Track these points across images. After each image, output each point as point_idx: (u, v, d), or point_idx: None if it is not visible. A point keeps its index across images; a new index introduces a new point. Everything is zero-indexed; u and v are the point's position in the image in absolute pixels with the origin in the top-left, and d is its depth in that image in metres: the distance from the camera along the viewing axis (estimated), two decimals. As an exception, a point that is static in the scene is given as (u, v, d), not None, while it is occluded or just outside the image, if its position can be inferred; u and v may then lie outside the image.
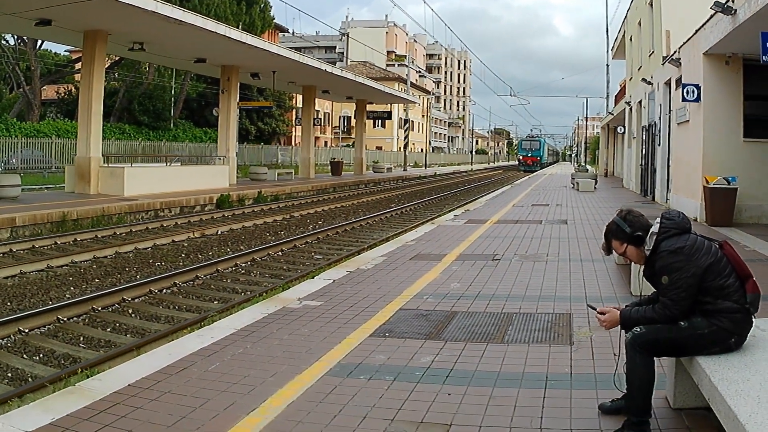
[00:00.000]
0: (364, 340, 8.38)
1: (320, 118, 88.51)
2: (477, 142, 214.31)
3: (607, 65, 71.51)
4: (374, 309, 9.95)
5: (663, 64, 29.24)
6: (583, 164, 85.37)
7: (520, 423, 5.93)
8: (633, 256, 6.02)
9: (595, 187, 40.53)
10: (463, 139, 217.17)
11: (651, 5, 34.95)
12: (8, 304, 12.95)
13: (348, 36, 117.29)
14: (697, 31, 22.83)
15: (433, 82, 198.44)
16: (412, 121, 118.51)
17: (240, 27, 48.39)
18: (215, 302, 13.57)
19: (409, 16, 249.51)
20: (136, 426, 5.88)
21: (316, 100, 59.56)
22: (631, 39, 47.12)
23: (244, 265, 17.49)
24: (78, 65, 48.86)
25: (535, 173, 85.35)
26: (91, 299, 12.71)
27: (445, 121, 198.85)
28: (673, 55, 26.78)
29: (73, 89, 65.82)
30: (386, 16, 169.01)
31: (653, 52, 34.35)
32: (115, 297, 13.16)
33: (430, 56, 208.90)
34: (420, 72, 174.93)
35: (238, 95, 44.28)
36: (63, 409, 6.17)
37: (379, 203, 37.32)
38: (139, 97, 66.66)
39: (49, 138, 49.67)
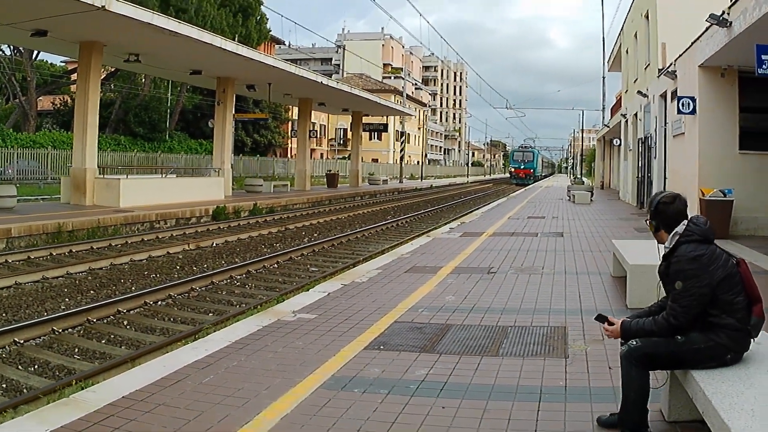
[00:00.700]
0: (358, 352, 8.37)
1: (316, 131, 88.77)
2: (473, 155, 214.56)
3: (603, 77, 71.58)
4: (369, 322, 9.94)
5: (658, 77, 29.34)
6: (579, 176, 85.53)
7: (514, 436, 5.93)
8: (660, 239, 6.10)
9: (591, 200, 40.60)
10: (459, 151, 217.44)
11: (647, 18, 35.10)
12: (4, 315, 12.93)
13: (344, 48, 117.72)
14: (692, 43, 22.91)
15: (430, 94, 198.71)
16: (408, 134, 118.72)
17: (236, 39, 48.57)
18: (210, 314, 13.55)
19: (405, 29, 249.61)
20: (131, 438, 5.88)
21: (312, 112, 59.58)
22: (627, 51, 47.27)
23: (239, 277, 17.49)
24: (74, 76, 48.91)
25: (528, 186, 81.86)
26: (86, 311, 12.69)
27: (441, 134, 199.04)
28: (668, 67, 26.87)
29: (69, 100, 65.88)
30: (382, 28, 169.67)
31: (649, 64, 34.47)
32: (110, 309, 13.14)
33: (427, 68, 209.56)
34: (416, 84, 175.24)
35: (233, 107, 44.40)
36: (57, 421, 6.16)
37: (374, 216, 37.31)
38: (134, 108, 66.71)
39: (45, 149, 49.68)
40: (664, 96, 29.40)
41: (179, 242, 23.15)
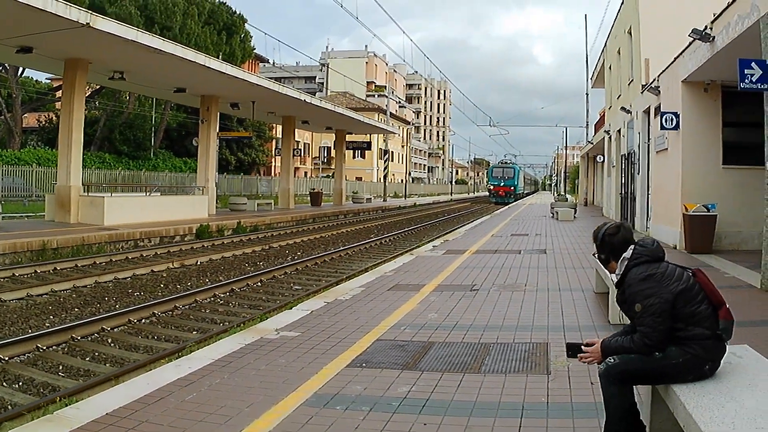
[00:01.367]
0: (341, 370, 8.39)
1: (300, 149, 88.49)
2: (457, 172, 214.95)
3: (587, 94, 71.95)
4: (352, 340, 9.97)
5: (642, 93, 29.48)
6: (562, 193, 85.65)
7: (495, 453, 5.97)
8: (611, 270, 6.18)
9: (574, 216, 40.71)
10: (442, 169, 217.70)
11: (630, 34, 35.27)
12: (-12, 332, 12.87)
13: (328, 66, 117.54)
14: (675, 59, 23.09)
15: (413, 112, 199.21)
16: (392, 152, 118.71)
17: (220, 57, 48.49)
18: (194, 332, 13.56)
19: (388, 47, 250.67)
20: (113, 455, 5.90)
21: (296, 130, 59.65)
22: (610, 68, 47.46)
23: (222, 295, 17.47)
24: (59, 93, 48.95)
25: (510, 205, 77.96)
26: (71, 328, 12.68)
27: (424, 152, 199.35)
28: (651, 83, 27.04)
29: (54, 117, 65.72)
30: (366, 46, 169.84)
31: (632, 80, 34.62)
32: (94, 326, 13.14)
33: (410, 86, 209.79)
34: (400, 102, 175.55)
35: (217, 125, 44.34)
36: (41, 438, 6.19)
37: (358, 234, 37.30)
38: (119, 126, 66.62)
39: (29, 166, 49.52)
40: (647, 112, 29.53)
41: (163, 260, 23.10)
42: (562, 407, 7.04)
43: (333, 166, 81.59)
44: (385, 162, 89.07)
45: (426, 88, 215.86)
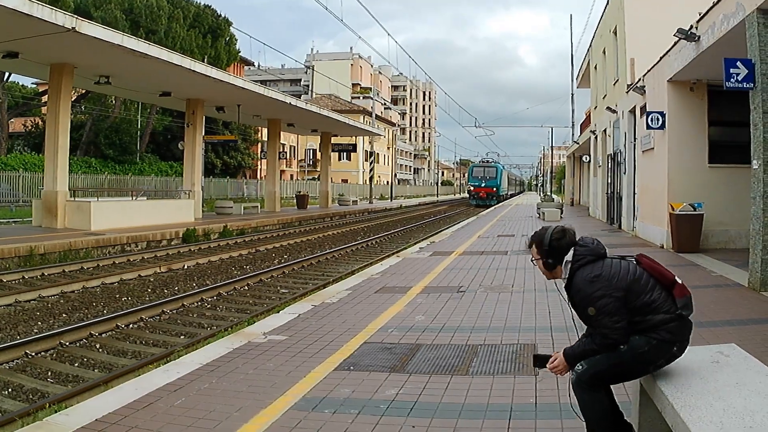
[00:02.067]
0: (328, 373, 8.40)
1: (286, 152, 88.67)
2: (443, 174, 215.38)
3: (572, 94, 72.01)
4: (339, 343, 9.99)
5: (627, 92, 29.56)
6: (549, 194, 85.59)
7: (484, 454, 5.98)
8: (541, 269, 6.15)
9: (561, 217, 40.68)
10: (428, 170, 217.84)
11: (615, 34, 35.34)
12: (-25, 339, 12.85)
13: (313, 69, 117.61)
14: (661, 58, 23.15)
15: (399, 114, 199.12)
16: (378, 154, 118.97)
17: (205, 60, 48.62)
18: (181, 337, 13.55)
19: (373, 49, 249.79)
20: (102, 461, 5.90)
21: (282, 133, 59.72)
22: (596, 68, 47.52)
23: (210, 299, 17.45)
24: (45, 98, 48.90)
25: (492, 208, 71.65)
26: (59, 334, 12.67)
27: (410, 153, 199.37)
28: (637, 83, 27.10)
29: (41, 122, 65.75)
30: (351, 48, 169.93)
31: (618, 80, 34.69)
32: (82, 332, 13.13)
33: (395, 88, 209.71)
34: (385, 104, 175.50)
35: (203, 129, 44.33)
36: (31, 444, 6.19)
37: (344, 236, 37.31)
38: (105, 130, 66.54)
39: (16, 171, 49.45)
40: (633, 111, 29.62)
41: (150, 265, 23.08)
42: (550, 408, 7.06)
43: (319, 169, 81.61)
44: (370, 164, 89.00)
45: (411, 90, 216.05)
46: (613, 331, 5.39)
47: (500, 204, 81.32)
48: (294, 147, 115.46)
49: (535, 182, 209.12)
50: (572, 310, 5.91)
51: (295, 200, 64.62)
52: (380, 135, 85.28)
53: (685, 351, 5.61)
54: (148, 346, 12.82)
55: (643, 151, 26.85)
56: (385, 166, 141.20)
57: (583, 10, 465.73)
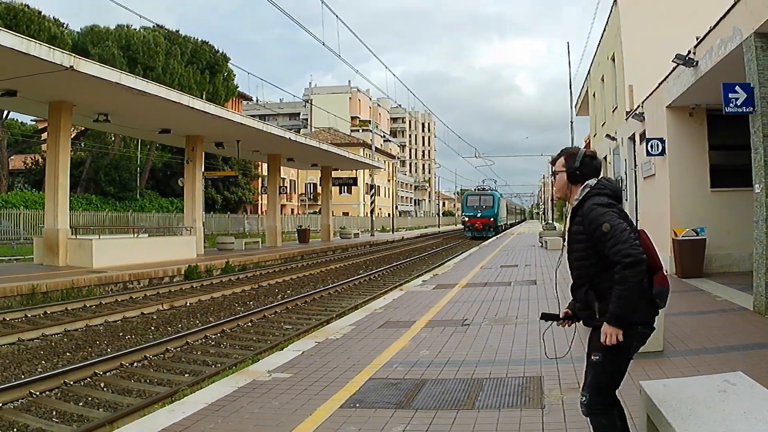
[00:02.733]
0: (334, 411, 8.36)
1: (286, 186, 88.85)
2: (444, 204, 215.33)
3: (571, 122, 71.81)
4: (344, 379, 9.94)
5: (627, 119, 29.62)
6: (550, 222, 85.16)
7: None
8: (558, 183, 6.02)
9: (563, 245, 40.61)
10: (429, 201, 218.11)
11: (613, 60, 35.41)
12: (-21, 379, 12.81)
13: (311, 102, 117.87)
14: (659, 84, 23.20)
15: (398, 146, 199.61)
16: (378, 186, 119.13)
17: (204, 96, 48.80)
18: (186, 375, 13.49)
19: (371, 83, 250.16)
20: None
21: (282, 167, 59.67)
22: (594, 95, 47.60)
23: (213, 336, 17.41)
24: (44, 135, 49.16)
25: (490, 240, 64.21)
26: (63, 373, 12.62)
27: (411, 185, 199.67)
28: (636, 109, 27.15)
29: (41, 159, 66.05)
30: (349, 81, 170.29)
31: (616, 107, 34.75)
32: (87, 371, 13.07)
33: (394, 120, 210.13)
34: (384, 136, 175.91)
35: (203, 165, 44.34)
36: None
37: (347, 270, 37.27)
38: (105, 167, 66.85)
39: (17, 209, 49.63)
40: (632, 138, 29.69)
41: (153, 302, 23.03)
42: (557, 442, 7.04)
43: (320, 202, 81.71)
44: (371, 197, 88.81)
45: (410, 122, 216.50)
46: (633, 246, 5.26)
47: (501, 234, 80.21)
48: (294, 181, 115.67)
49: (536, 210, 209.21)
50: (570, 236, 5.88)
51: (296, 234, 64.57)
52: (380, 168, 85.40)
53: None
54: (153, 385, 12.76)
55: (644, 178, 26.88)
56: (385, 199, 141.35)
57: (579, 36, 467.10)
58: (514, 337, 12.80)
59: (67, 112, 30.71)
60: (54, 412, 10.97)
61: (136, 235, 37.18)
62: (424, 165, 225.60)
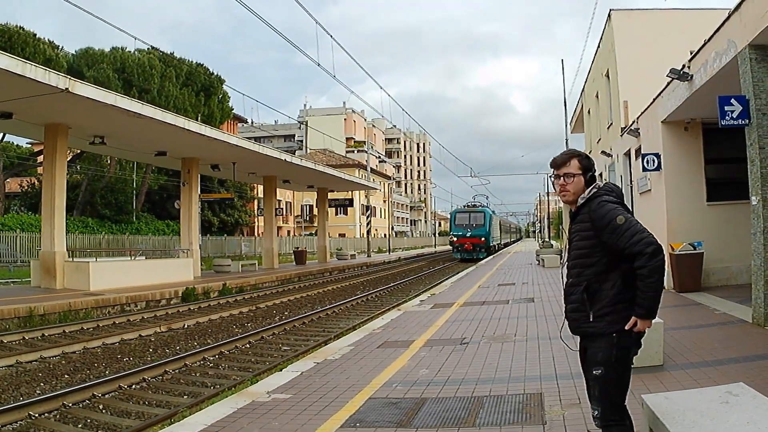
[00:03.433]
0: (335, 431, 8.32)
1: (282, 208, 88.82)
2: (440, 224, 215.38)
3: (567, 140, 71.82)
4: (344, 399, 9.91)
5: (622, 135, 29.69)
6: (547, 240, 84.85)
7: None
8: (574, 186, 5.78)
9: (561, 263, 40.59)
10: (425, 221, 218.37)
11: (608, 77, 35.51)
12: (-22, 401, 12.77)
13: (306, 124, 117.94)
14: (654, 99, 23.25)
15: (394, 167, 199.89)
16: (374, 207, 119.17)
17: (199, 118, 48.88)
18: (185, 397, 13.43)
19: (366, 103, 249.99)
20: None
21: (277, 189, 59.77)
22: (589, 112, 47.72)
23: (212, 358, 17.35)
24: (40, 158, 49.19)
25: (482, 262, 58.68)
26: (62, 395, 12.56)
27: (406, 205, 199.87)
28: (631, 125, 27.19)
29: (36, 182, 66.22)
30: (344, 102, 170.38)
31: (611, 123, 34.84)
32: (85, 393, 13.02)
33: (389, 140, 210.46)
34: (380, 157, 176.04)
35: (199, 187, 44.35)
36: None
37: (344, 291, 37.20)
38: (101, 190, 66.94)
39: (13, 231, 49.66)
40: (628, 154, 29.73)
41: (151, 324, 23.01)
42: (559, 458, 7.01)
43: (316, 224, 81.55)
44: (367, 218, 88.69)
45: (405, 142, 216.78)
46: (648, 234, 5.29)
47: (496, 253, 76.96)
48: (290, 203, 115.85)
49: (532, 229, 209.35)
50: (572, 234, 5.83)
51: (293, 256, 64.50)
52: (376, 189, 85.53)
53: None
54: (152, 407, 12.70)
55: (640, 194, 26.89)
56: (381, 219, 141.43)
57: (571, 53, 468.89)
58: (514, 355, 12.77)
59: (62, 134, 30.72)
60: (53, 435, 10.95)
61: (133, 258, 37.23)
62: (419, 185, 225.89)
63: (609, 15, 34.21)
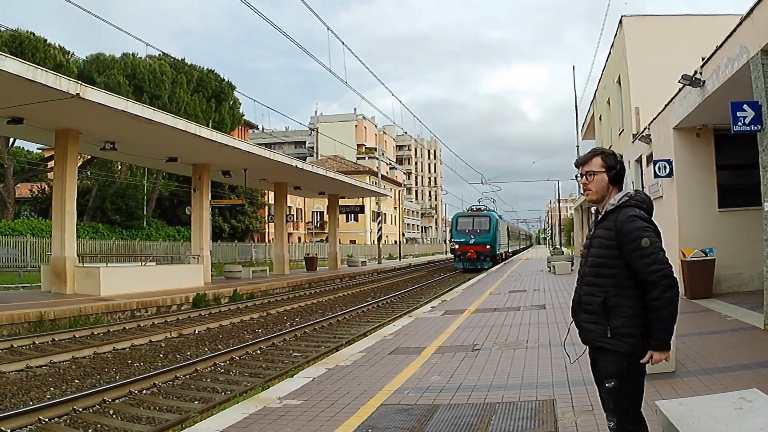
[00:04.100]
0: (347, 437, 8.30)
1: (293, 214, 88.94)
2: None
3: (578, 146, 71.59)
4: (355, 406, 9.89)
5: (633, 142, 29.61)
6: (558, 246, 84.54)
7: None
8: (596, 185, 5.73)
9: (572, 269, 40.50)
10: (436, 228, 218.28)
11: (619, 83, 35.47)
12: (-11, 405, 12.78)
13: (317, 131, 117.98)
14: (666, 106, 23.18)
15: (404, 173, 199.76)
16: (385, 214, 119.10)
17: (210, 124, 48.82)
18: (196, 402, 13.41)
19: (377, 110, 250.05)
20: None
21: (288, 196, 59.84)
22: (600, 118, 47.72)
23: (223, 364, 17.34)
24: (51, 163, 49.27)
25: (493, 269, 56.11)
26: (72, 400, 12.58)
27: (417, 212, 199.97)
28: (643, 132, 27.14)
29: (47, 187, 66.31)
30: (355, 109, 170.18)
31: (623, 130, 34.78)
32: (95, 398, 13.02)
33: (400, 147, 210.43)
34: (391, 164, 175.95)
35: (210, 193, 44.32)
36: None
37: (355, 297, 37.20)
38: (111, 195, 67.04)
39: (24, 237, 49.83)
40: (639, 161, 29.67)
41: (161, 330, 23.01)
42: (572, 465, 6.98)
43: (326, 231, 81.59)
44: (378, 224, 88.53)
45: (416, 149, 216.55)
46: (668, 266, 5.19)
47: (501, 264, 67.23)
48: (301, 209, 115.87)
49: (543, 235, 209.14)
50: (597, 239, 5.64)
51: (303, 263, 64.45)
52: (387, 195, 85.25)
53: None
54: (162, 412, 12.68)
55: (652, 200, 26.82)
56: (392, 226, 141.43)
57: (581, 60, 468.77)
58: (525, 361, 12.74)
59: (73, 139, 30.74)
60: (63, 440, 10.94)
61: (143, 264, 37.18)
62: (430, 192, 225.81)
63: (620, 21, 34.24)
